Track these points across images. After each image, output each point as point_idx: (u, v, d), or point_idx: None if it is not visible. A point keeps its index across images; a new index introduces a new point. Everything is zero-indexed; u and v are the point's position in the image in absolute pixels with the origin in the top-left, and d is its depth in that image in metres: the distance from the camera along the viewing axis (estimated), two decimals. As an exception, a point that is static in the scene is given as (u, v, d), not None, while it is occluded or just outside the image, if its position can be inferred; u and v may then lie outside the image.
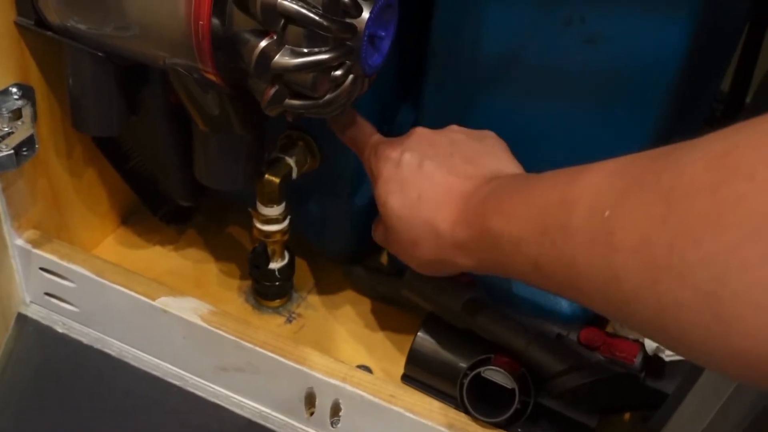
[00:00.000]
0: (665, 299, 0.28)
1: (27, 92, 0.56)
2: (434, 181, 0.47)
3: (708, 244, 0.26)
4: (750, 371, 0.26)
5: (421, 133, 0.50)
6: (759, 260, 0.25)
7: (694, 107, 0.55)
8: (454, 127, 0.52)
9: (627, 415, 0.61)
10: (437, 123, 0.57)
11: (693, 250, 0.27)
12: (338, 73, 0.44)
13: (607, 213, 0.31)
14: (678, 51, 0.46)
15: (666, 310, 0.28)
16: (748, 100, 0.64)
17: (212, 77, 0.46)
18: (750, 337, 0.25)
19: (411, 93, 0.62)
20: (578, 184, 0.35)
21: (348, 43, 0.43)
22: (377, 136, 0.52)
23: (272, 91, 0.44)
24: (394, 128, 0.67)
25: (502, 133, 0.55)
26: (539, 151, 0.55)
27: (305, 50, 0.42)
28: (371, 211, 0.54)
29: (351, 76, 0.45)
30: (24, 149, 0.56)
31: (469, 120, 0.56)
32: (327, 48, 0.42)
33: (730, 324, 0.26)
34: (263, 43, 0.42)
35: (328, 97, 0.45)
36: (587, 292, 0.34)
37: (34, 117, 0.56)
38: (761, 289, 0.25)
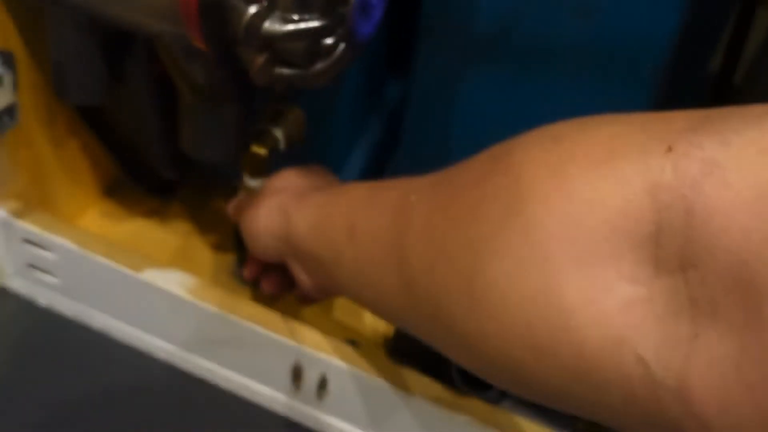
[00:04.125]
0: (437, 282, 0.30)
1: (7, 59, 0.54)
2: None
3: (469, 232, 0.28)
4: (495, 358, 0.28)
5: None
6: (506, 251, 0.26)
7: (689, 85, 0.55)
8: None
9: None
10: (427, 98, 0.57)
11: (459, 237, 0.29)
12: (329, 41, 0.43)
13: (412, 197, 0.34)
14: (672, 23, 0.46)
15: (439, 294, 0.30)
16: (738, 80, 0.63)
17: (200, 45, 0.45)
18: (495, 320, 0.27)
19: (401, 67, 0.61)
20: (405, 178, 0.38)
21: (339, 10, 0.42)
22: None
23: (261, 59, 0.43)
24: (383, 102, 0.66)
25: (493, 108, 0.54)
26: (530, 126, 0.54)
27: (296, 17, 0.41)
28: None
29: (341, 45, 0.44)
30: (5, 118, 0.55)
31: (461, 94, 0.55)
32: (318, 15, 0.41)
33: (482, 306, 0.27)
34: (252, 10, 0.41)
35: (318, 66, 0.44)
36: (379, 277, 0.35)
37: (15, 85, 0.55)
38: (507, 277, 0.26)
